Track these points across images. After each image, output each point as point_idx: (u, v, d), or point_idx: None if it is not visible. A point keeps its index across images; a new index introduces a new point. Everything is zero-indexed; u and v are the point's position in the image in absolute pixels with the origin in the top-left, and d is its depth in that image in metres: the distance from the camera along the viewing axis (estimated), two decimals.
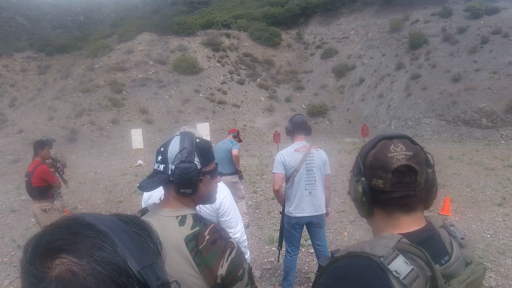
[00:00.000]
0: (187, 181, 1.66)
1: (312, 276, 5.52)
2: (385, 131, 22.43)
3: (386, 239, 1.18)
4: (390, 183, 1.25)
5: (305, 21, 42.25)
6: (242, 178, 7.93)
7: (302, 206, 4.52)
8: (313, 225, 4.67)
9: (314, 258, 5.89)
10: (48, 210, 6.25)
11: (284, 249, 4.93)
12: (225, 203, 2.56)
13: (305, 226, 4.74)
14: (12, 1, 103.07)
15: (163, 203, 1.74)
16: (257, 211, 9.24)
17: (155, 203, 1.82)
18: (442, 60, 26.92)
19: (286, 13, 42.58)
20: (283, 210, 4.77)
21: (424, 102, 24.40)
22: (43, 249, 0.63)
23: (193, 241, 1.60)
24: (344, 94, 30.98)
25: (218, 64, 32.28)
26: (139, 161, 18.26)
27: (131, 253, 0.67)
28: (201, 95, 28.42)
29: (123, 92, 27.47)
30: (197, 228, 1.64)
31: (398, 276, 1.08)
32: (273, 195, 5.32)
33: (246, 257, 1.73)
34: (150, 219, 1.69)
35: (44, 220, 6.15)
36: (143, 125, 23.88)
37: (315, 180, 4.48)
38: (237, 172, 7.55)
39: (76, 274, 0.61)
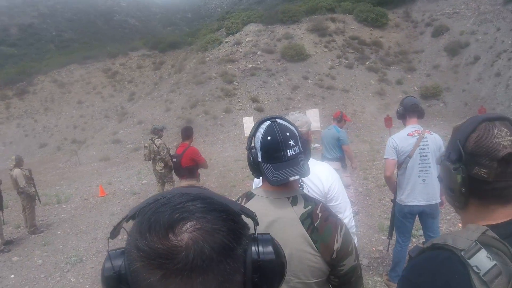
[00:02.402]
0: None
1: None
2: (505, 114, 20.53)
3: (470, 231, 1.10)
4: (495, 173, 1.14)
5: None
6: (346, 167, 7.51)
7: (415, 195, 4.24)
8: (426, 215, 4.37)
9: None
10: None
11: (394, 239, 4.67)
12: (333, 188, 2.53)
13: (417, 215, 4.44)
14: (123, 5, 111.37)
15: (269, 185, 1.71)
16: (367, 198, 8.93)
17: (259, 187, 1.83)
18: None
19: None
20: (395, 198, 4.49)
21: None
22: (165, 226, 0.66)
23: (308, 219, 1.62)
24: (459, 74, 28.64)
25: (325, 49, 31.71)
26: None
27: (229, 202, 0.75)
28: (309, 81, 28.16)
29: (234, 83, 28.23)
30: (310, 207, 1.65)
31: (479, 272, 1.00)
32: (385, 182, 5.01)
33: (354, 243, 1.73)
34: (261, 201, 1.71)
35: None
36: (255, 113, 24.29)
37: (429, 167, 4.17)
38: (340, 159, 7.22)
39: (204, 229, 0.65)
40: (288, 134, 1.65)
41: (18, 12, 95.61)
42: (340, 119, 7.50)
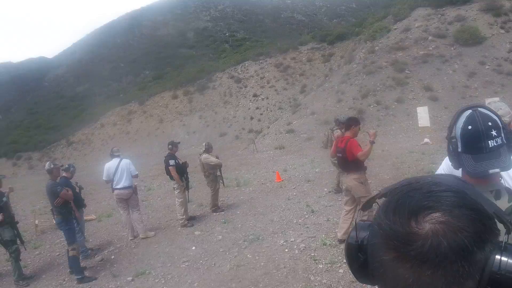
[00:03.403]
0: None
1: None
2: None
3: None
4: None
5: None
6: None
7: None
8: None
9: None
10: (364, 182, 6.45)
11: None
12: None
13: None
14: (288, 2, 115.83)
15: (470, 178, 1.60)
16: None
17: None
18: None
19: None
20: None
21: None
22: (410, 211, 0.65)
23: None
24: None
25: (502, 31, 29.06)
26: (426, 140, 17.78)
27: (483, 202, 0.69)
28: (487, 67, 26.33)
29: (406, 71, 27.73)
30: None
31: None
32: None
33: None
34: None
35: (361, 192, 6.36)
36: (428, 102, 23.65)
37: None
38: None
39: (448, 224, 0.63)
40: (490, 124, 1.56)
41: (193, 18, 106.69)
42: None
